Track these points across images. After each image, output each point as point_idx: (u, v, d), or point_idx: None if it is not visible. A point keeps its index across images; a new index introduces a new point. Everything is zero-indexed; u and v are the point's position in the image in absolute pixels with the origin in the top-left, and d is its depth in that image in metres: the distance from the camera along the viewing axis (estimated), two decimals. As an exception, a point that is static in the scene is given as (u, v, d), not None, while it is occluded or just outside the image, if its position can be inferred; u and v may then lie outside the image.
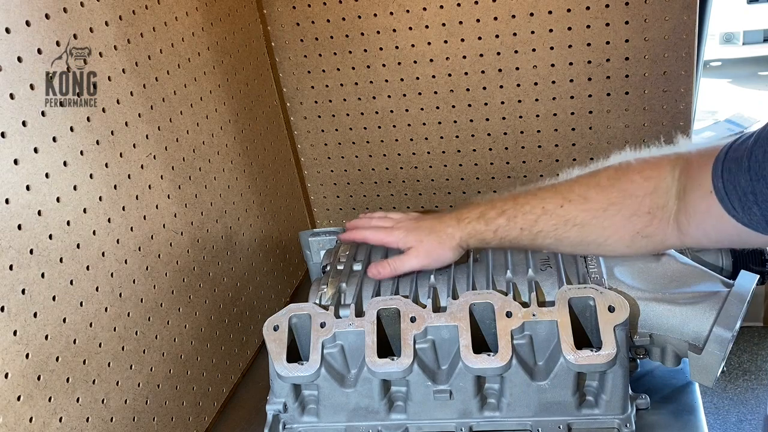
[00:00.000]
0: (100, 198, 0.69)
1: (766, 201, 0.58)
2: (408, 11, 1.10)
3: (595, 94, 1.10)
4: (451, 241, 0.77)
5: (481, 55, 1.11)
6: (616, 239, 0.72)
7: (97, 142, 0.69)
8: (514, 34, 1.08)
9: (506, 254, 0.82)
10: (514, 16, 1.07)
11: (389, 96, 1.18)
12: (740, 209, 0.61)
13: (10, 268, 0.57)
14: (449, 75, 1.14)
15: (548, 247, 0.77)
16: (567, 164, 1.16)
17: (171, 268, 0.82)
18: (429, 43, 1.12)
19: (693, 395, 0.80)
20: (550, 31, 1.06)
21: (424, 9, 1.09)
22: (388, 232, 0.82)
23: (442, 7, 1.08)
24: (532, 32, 1.07)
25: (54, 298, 0.62)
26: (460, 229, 0.77)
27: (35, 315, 0.59)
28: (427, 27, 1.10)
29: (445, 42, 1.11)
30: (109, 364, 0.69)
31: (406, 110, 1.18)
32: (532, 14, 1.06)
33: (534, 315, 0.72)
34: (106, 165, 0.70)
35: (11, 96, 0.58)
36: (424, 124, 1.19)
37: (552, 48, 1.07)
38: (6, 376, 0.56)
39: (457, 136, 1.19)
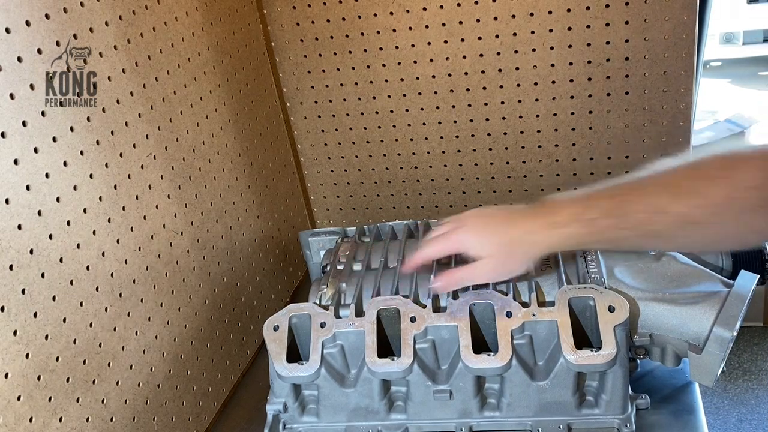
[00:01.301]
0: (100, 198, 0.69)
1: None
2: (408, 11, 1.10)
3: (595, 94, 1.10)
4: (534, 251, 0.68)
5: (481, 55, 1.11)
6: (735, 237, 0.65)
7: (97, 142, 0.69)
8: (514, 34, 1.08)
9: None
10: (514, 16, 1.07)
11: (389, 96, 1.18)
12: None
13: (10, 268, 0.57)
14: (449, 75, 1.14)
15: (655, 247, 0.69)
16: (567, 164, 1.17)
17: (171, 268, 0.82)
18: (429, 43, 1.12)
19: (693, 395, 0.80)
20: (550, 31, 1.06)
21: (424, 9, 1.09)
22: (447, 235, 0.71)
23: (442, 7, 1.08)
24: (532, 32, 1.07)
25: (54, 298, 0.62)
26: (551, 236, 0.66)
27: (35, 315, 0.59)
28: (427, 27, 1.10)
29: (445, 42, 1.11)
30: (109, 364, 0.69)
31: (406, 110, 1.18)
32: (532, 14, 1.06)
33: (534, 315, 0.72)
34: (106, 165, 0.70)
35: (11, 96, 0.58)
36: (424, 124, 1.19)
37: (552, 48, 1.08)
38: (6, 376, 0.56)
39: (457, 136, 1.19)
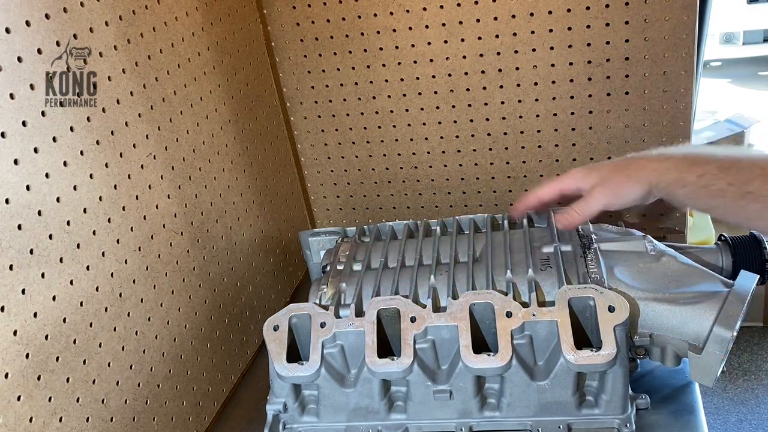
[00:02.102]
0: (100, 198, 0.69)
1: None
2: (408, 11, 1.10)
3: (595, 94, 1.10)
4: (642, 173, 0.67)
5: (481, 55, 1.11)
6: None
7: (97, 142, 0.69)
8: (514, 34, 1.08)
9: (506, 254, 0.82)
10: (514, 16, 1.07)
11: (389, 96, 1.18)
12: None
13: (10, 268, 0.57)
14: (449, 75, 1.14)
15: (744, 216, 0.67)
16: (567, 164, 1.16)
17: (171, 268, 0.82)
18: (429, 43, 1.12)
19: (693, 395, 0.80)
20: (550, 31, 1.06)
21: (424, 9, 1.09)
22: (562, 176, 0.72)
23: (442, 7, 1.08)
24: (532, 32, 1.07)
25: (54, 298, 0.62)
26: (656, 161, 0.67)
27: (35, 315, 0.59)
28: (427, 27, 1.10)
29: (445, 42, 1.11)
30: (109, 364, 0.69)
31: (406, 110, 1.18)
32: (532, 14, 1.06)
33: (534, 315, 0.72)
34: (106, 165, 0.70)
35: (11, 96, 0.58)
36: (424, 124, 1.19)
37: (552, 48, 1.08)
38: (6, 376, 0.56)
39: (457, 136, 1.19)
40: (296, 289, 1.23)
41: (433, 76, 1.14)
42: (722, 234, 0.90)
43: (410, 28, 1.11)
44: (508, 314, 0.72)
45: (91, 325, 0.67)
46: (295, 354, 0.78)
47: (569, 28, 1.06)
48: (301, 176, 1.29)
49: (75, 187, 0.65)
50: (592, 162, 0.68)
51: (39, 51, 0.61)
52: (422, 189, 1.26)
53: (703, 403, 0.79)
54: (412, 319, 0.74)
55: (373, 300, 0.76)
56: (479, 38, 1.09)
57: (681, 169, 0.66)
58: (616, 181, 0.69)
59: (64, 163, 0.64)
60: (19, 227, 0.58)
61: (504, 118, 1.15)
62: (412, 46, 1.12)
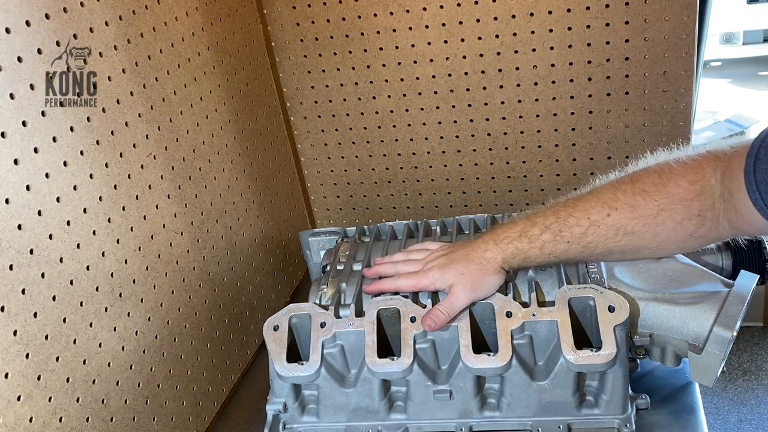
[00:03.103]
0: (100, 198, 0.69)
1: None
2: (408, 11, 1.10)
3: (595, 94, 1.10)
4: (493, 265, 0.73)
5: (481, 55, 1.11)
6: (669, 243, 0.71)
7: (97, 142, 0.69)
8: (514, 34, 1.08)
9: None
10: (514, 16, 1.07)
11: (389, 96, 1.18)
12: None
13: (10, 268, 0.57)
14: (449, 75, 1.14)
15: (598, 258, 0.75)
16: (567, 164, 1.16)
17: (171, 268, 0.82)
18: (429, 43, 1.12)
19: (693, 395, 0.80)
20: (550, 31, 1.06)
21: (424, 9, 1.09)
22: (420, 275, 0.76)
23: (442, 7, 1.08)
24: (532, 32, 1.07)
25: (54, 298, 0.62)
26: (500, 250, 0.72)
27: (35, 315, 0.59)
28: (427, 27, 1.10)
29: (445, 42, 1.11)
30: (109, 364, 0.69)
31: (406, 110, 1.18)
32: (532, 14, 1.06)
33: (534, 315, 0.72)
34: (106, 165, 0.70)
35: (11, 96, 0.58)
36: (424, 124, 1.19)
37: (552, 48, 1.08)
38: (6, 376, 0.56)
39: (457, 136, 1.19)
40: (296, 289, 1.23)
41: (433, 76, 1.14)
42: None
43: (410, 28, 1.11)
44: (508, 314, 0.72)
45: (91, 325, 0.67)
46: (295, 354, 0.78)
47: (569, 28, 1.06)
48: (301, 176, 1.29)
49: (75, 187, 0.65)
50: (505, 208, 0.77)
51: (39, 51, 0.61)
52: (422, 189, 1.26)
53: (703, 403, 0.79)
54: (412, 319, 0.73)
55: (373, 300, 0.76)
56: (479, 38, 1.09)
57: (520, 247, 0.72)
58: (472, 276, 0.73)
59: (64, 163, 0.64)
60: (19, 227, 0.58)
61: (504, 118, 1.15)
62: (412, 46, 1.12)
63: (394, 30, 1.12)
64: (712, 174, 0.66)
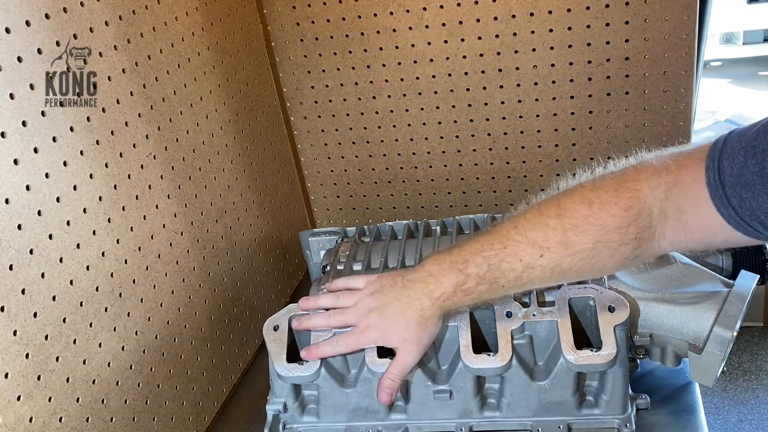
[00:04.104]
0: (100, 198, 0.69)
1: None
2: (408, 11, 1.10)
3: (595, 94, 1.10)
4: (432, 321, 0.71)
5: (481, 55, 1.11)
6: (608, 268, 0.68)
7: (97, 142, 0.69)
8: (514, 34, 1.08)
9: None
10: (514, 16, 1.07)
11: (389, 96, 1.18)
12: (762, 228, 0.57)
13: (10, 268, 0.57)
14: (449, 75, 1.14)
15: (538, 288, 0.75)
16: (567, 164, 1.17)
17: (171, 268, 0.82)
18: (429, 43, 1.12)
19: (693, 395, 0.80)
20: (550, 31, 1.06)
21: (424, 9, 1.09)
22: (359, 335, 0.73)
23: (442, 7, 1.08)
24: (532, 32, 1.07)
25: (54, 298, 0.62)
26: (437, 308, 0.70)
27: (35, 315, 0.59)
28: (427, 27, 1.10)
29: (445, 42, 1.11)
30: (109, 363, 0.69)
31: (406, 110, 1.18)
32: (532, 14, 1.06)
33: (534, 315, 0.72)
34: (106, 165, 0.70)
35: (11, 96, 0.58)
36: (424, 124, 1.19)
37: (552, 48, 1.08)
38: (6, 376, 0.56)
39: (457, 136, 1.19)
40: (296, 289, 1.23)
41: (433, 76, 1.14)
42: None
43: (410, 28, 1.11)
44: (508, 314, 0.72)
45: (91, 325, 0.67)
46: (295, 354, 0.78)
47: (569, 28, 1.06)
48: (301, 176, 1.29)
49: (75, 187, 0.65)
50: (448, 247, 0.70)
51: (39, 51, 0.61)
52: (422, 189, 1.26)
53: (703, 403, 0.79)
54: (412, 319, 0.73)
55: (373, 300, 0.76)
56: (479, 38, 1.09)
57: (457, 301, 0.70)
58: (414, 339, 0.71)
59: (64, 163, 0.64)
60: (19, 227, 0.58)
61: (504, 118, 1.15)
62: (412, 46, 1.12)
63: (394, 30, 1.12)
64: (649, 192, 0.63)
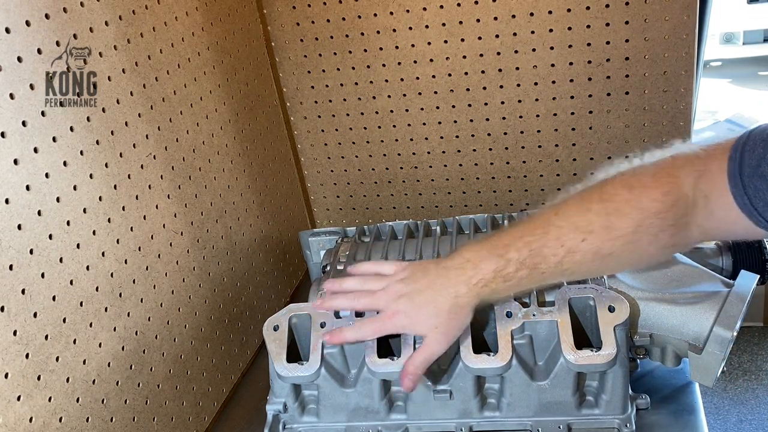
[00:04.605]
0: (100, 198, 0.69)
1: None
2: (408, 11, 1.10)
3: (596, 94, 1.10)
4: (466, 311, 0.69)
5: (481, 55, 1.11)
6: (647, 257, 0.69)
7: (97, 142, 0.69)
8: (514, 34, 1.08)
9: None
10: (514, 16, 1.07)
11: (389, 96, 1.18)
12: None
13: (10, 268, 0.57)
14: (449, 75, 1.14)
15: (576, 279, 0.73)
16: (567, 164, 1.17)
17: (171, 268, 0.82)
18: (429, 43, 1.12)
19: (693, 395, 0.80)
20: (550, 31, 1.06)
21: (424, 9, 1.09)
22: (385, 320, 0.71)
23: (442, 7, 1.08)
24: (532, 32, 1.07)
25: (54, 298, 0.62)
26: (474, 295, 0.68)
27: (35, 315, 0.59)
28: (427, 27, 1.10)
29: (445, 42, 1.11)
30: (109, 364, 0.69)
31: (406, 110, 1.18)
32: (532, 14, 1.06)
33: (534, 315, 0.72)
34: (106, 165, 0.70)
35: (11, 96, 0.58)
36: (424, 124, 1.19)
37: (552, 48, 1.08)
38: (6, 376, 0.56)
39: (457, 136, 1.19)
40: (296, 289, 1.23)
41: (433, 76, 1.14)
42: (722, 234, 0.90)
43: (410, 28, 1.11)
44: (508, 314, 0.72)
45: (91, 325, 0.67)
46: (295, 354, 0.78)
47: (569, 28, 1.06)
48: (301, 176, 1.29)
49: (75, 187, 0.65)
50: (480, 236, 0.67)
51: (39, 51, 0.61)
52: (422, 189, 1.26)
53: (703, 403, 0.79)
54: (412, 319, 0.73)
55: (373, 300, 0.76)
56: (479, 38, 1.09)
57: (496, 288, 0.68)
58: (445, 329, 0.69)
59: (64, 163, 0.64)
60: (19, 227, 0.58)
61: (504, 118, 1.15)
62: (412, 46, 1.12)
63: (394, 30, 1.12)
64: (685, 180, 0.64)
